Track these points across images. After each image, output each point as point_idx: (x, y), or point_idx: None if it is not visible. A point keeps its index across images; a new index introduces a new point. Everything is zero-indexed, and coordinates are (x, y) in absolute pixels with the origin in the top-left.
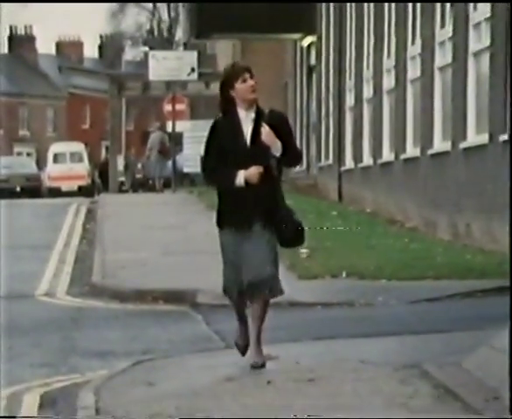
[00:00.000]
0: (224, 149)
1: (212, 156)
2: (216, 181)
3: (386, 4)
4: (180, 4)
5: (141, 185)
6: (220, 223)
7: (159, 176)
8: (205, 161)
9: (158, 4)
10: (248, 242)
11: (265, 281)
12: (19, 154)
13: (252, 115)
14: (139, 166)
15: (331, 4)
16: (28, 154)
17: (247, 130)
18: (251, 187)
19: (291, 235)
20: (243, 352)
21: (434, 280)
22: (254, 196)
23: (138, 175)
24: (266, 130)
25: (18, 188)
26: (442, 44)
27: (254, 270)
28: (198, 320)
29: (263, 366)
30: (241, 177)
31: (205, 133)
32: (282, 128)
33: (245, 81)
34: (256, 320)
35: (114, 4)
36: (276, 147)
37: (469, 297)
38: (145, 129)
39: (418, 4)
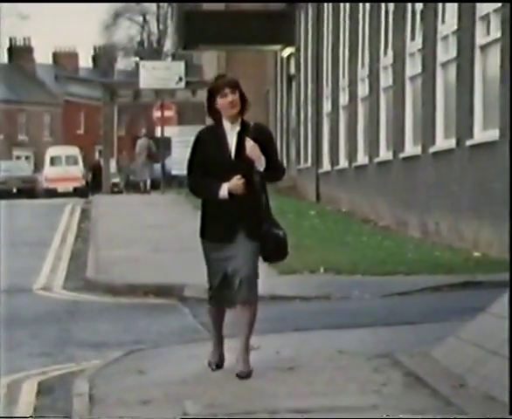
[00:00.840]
0: (209, 161)
1: (197, 167)
2: (200, 192)
3: (360, 18)
4: (168, 18)
5: (133, 187)
6: (204, 234)
7: (146, 179)
8: (190, 171)
9: (148, 17)
10: (232, 252)
11: (251, 288)
12: (18, 157)
13: (237, 128)
14: (131, 168)
15: (309, 17)
16: (26, 158)
17: (232, 142)
18: (234, 199)
19: (272, 250)
20: (216, 368)
21: (405, 275)
22: (238, 208)
23: (132, 177)
24: (250, 144)
25: (15, 190)
26: (412, 55)
27: (247, 276)
28: (186, 313)
29: (248, 376)
30: (225, 189)
31: (192, 138)
32: (266, 142)
33: (224, 96)
34: (245, 328)
35: (107, 17)
36: (260, 162)
37: (438, 291)
38: (136, 134)
39: (391, 18)
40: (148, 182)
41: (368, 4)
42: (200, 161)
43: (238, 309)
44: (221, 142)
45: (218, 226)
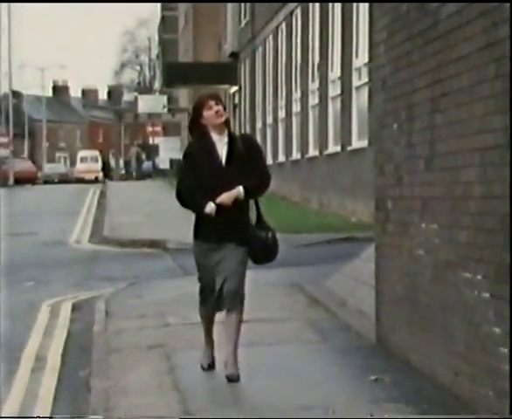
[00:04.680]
0: (200, 172)
1: (185, 181)
2: (188, 205)
3: (279, 68)
4: (156, 67)
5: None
6: (197, 236)
7: (136, 172)
8: (179, 184)
9: (143, 67)
10: (221, 259)
11: (237, 297)
12: (59, 158)
13: (225, 139)
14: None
15: (247, 67)
16: (64, 158)
17: (222, 153)
18: (224, 209)
19: (259, 254)
20: (208, 369)
21: (308, 233)
22: (228, 218)
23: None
24: (221, 198)
25: (56, 180)
26: (313, 92)
27: (231, 284)
28: (168, 259)
29: (238, 379)
30: (211, 206)
31: (173, 145)
32: (254, 152)
33: (210, 108)
34: (232, 332)
35: (117, 67)
36: (240, 196)
37: (329, 244)
38: (136, 142)
39: (299, 67)
40: (137, 174)
41: (284, 58)
42: (190, 175)
43: (225, 315)
44: (212, 153)
45: (210, 232)
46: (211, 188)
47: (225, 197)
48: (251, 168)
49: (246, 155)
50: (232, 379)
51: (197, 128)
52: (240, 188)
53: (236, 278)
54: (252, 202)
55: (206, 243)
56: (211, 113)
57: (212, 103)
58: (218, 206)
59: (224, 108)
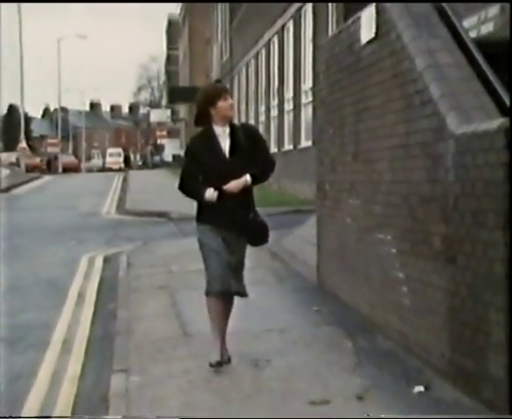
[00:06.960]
0: (205, 164)
1: (187, 173)
2: (189, 194)
3: (249, 90)
4: (163, 89)
5: (146, 166)
6: (201, 220)
7: (151, 163)
8: (182, 177)
9: (154, 90)
10: (230, 248)
11: (240, 284)
12: (94, 153)
13: (228, 130)
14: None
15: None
16: (97, 154)
17: (225, 144)
18: (229, 196)
19: (259, 236)
20: (217, 365)
21: (271, 207)
22: (232, 205)
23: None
24: (229, 186)
25: (95, 170)
26: (273, 107)
27: (239, 280)
28: (172, 226)
29: (229, 361)
30: (213, 193)
31: (174, 145)
32: (255, 140)
33: (225, 100)
34: (229, 314)
35: (135, 89)
36: (247, 182)
37: (285, 214)
38: (148, 143)
39: (264, 88)
40: (151, 165)
41: (253, 83)
42: (192, 169)
43: (227, 298)
44: (214, 145)
45: (215, 216)
46: (217, 181)
47: (234, 185)
48: (255, 156)
49: (249, 144)
50: (224, 363)
51: (204, 119)
52: (247, 176)
53: (242, 274)
54: None
55: (213, 227)
56: (225, 105)
57: (227, 95)
58: (220, 192)
59: None
